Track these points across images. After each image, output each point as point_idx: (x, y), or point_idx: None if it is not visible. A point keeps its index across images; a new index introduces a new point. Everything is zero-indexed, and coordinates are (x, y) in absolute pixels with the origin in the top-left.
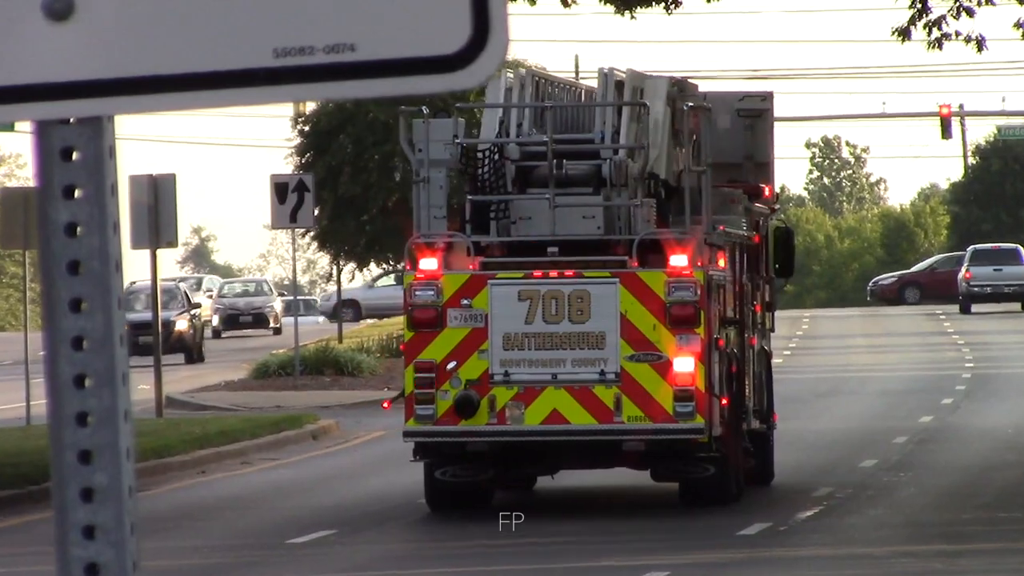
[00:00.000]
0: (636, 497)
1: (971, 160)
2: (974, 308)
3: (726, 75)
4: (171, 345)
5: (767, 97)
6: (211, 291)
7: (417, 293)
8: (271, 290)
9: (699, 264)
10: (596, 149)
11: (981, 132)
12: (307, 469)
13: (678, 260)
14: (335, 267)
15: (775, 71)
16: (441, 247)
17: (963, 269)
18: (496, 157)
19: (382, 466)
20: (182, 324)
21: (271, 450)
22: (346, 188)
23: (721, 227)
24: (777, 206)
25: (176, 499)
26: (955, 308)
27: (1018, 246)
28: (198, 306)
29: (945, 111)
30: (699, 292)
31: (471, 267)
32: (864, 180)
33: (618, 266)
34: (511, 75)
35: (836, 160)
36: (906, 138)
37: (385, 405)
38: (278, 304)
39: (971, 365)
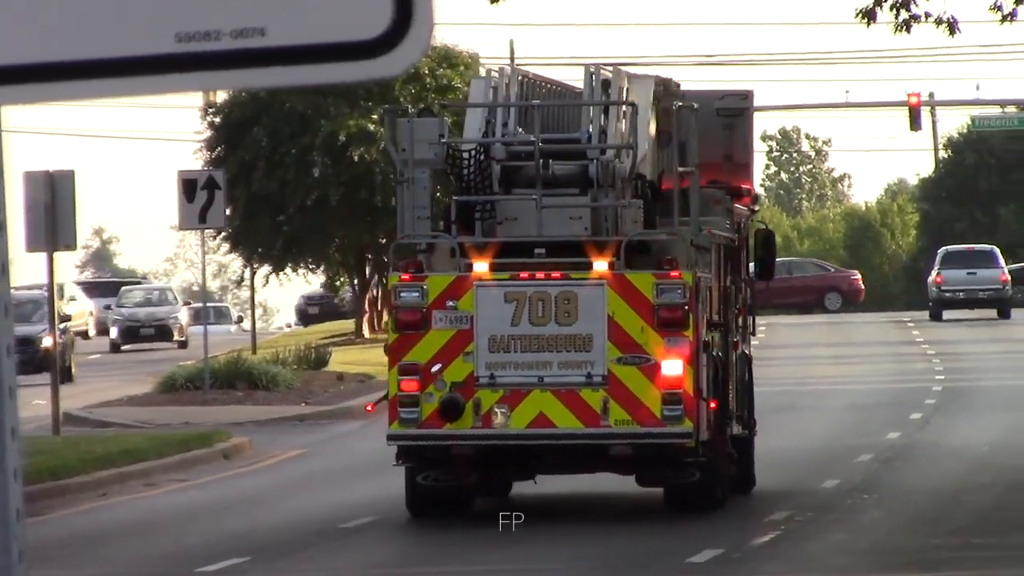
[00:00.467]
0: (605, 508)
1: (943, 154)
2: (945, 315)
3: (674, 61)
4: (36, 364)
5: (747, 96)
6: (74, 298)
7: (402, 294)
8: (175, 299)
9: (687, 266)
10: (583, 149)
11: (953, 123)
12: (218, 491)
13: (667, 261)
14: (248, 271)
15: (727, 56)
16: (426, 248)
17: (934, 272)
18: (482, 157)
19: (299, 488)
20: (49, 340)
21: (178, 470)
22: (260, 185)
23: (707, 229)
24: (756, 207)
25: (73, 524)
26: (925, 315)
27: (994, 247)
28: (68, 318)
29: (914, 100)
30: (688, 294)
31: (457, 268)
32: (825, 176)
33: (606, 268)
34: (496, 73)
35: (795, 154)
36: (871, 130)
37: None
38: (184, 314)
39: (942, 377)
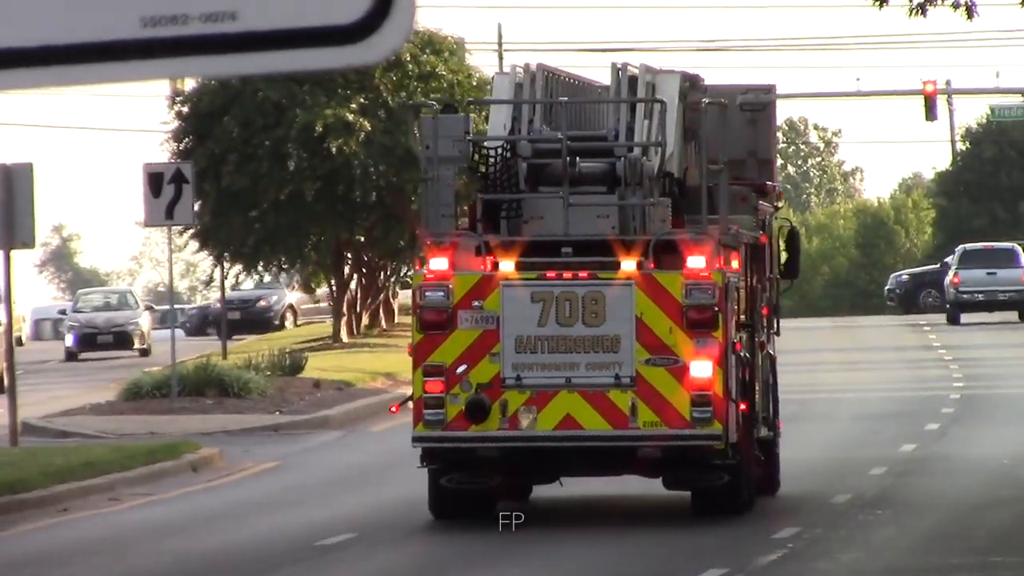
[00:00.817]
0: (606, 520)
1: (960, 146)
2: (963, 318)
3: (672, 47)
4: None
5: (771, 90)
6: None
7: (427, 294)
8: (137, 303)
9: (716, 266)
10: (610, 147)
11: (972, 113)
12: (186, 506)
13: (696, 261)
14: (218, 270)
15: (730, 42)
16: (451, 246)
17: (951, 272)
18: (508, 155)
19: (273, 503)
20: None
21: (144, 484)
22: (231, 179)
23: (735, 227)
24: (779, 204)
25: (33, 542)
26: (942, 318)
27: (1015, 245)
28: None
29: (930, 88)
30: (717, 294)
31: (483, 267)
32: (836, 169)
33: (634, 267)
34: (521, 70)
35: (803, 146)
36: (884, 120)
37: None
38: (145, 320)
39: (960, 385)
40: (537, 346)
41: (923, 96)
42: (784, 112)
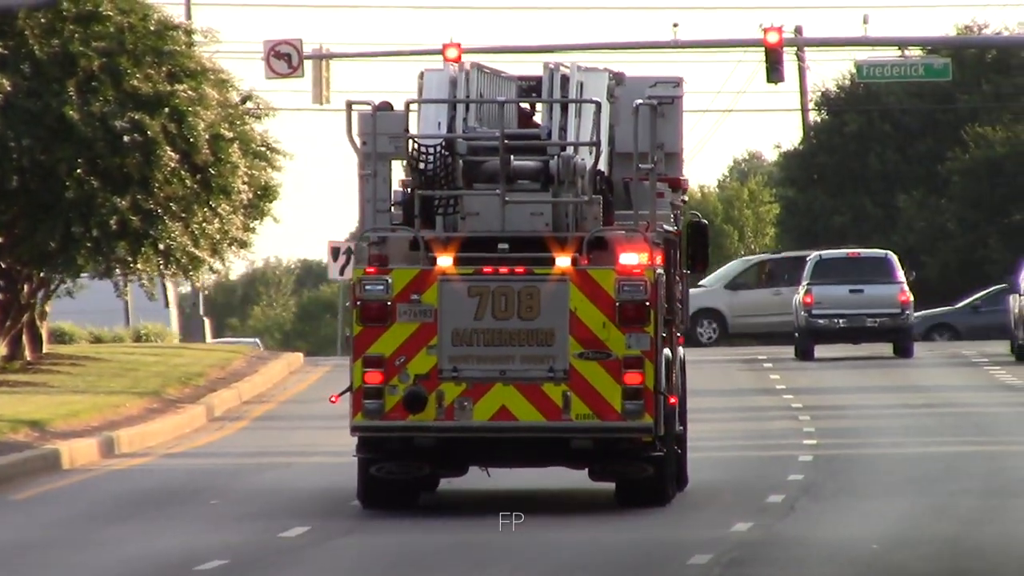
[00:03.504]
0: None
1: (815, 116)
2: (818, 351)
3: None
4: None
5: (679, 83)
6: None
7: (367, 287)
8: None
9: (648, 262)
10: (543, 145)
11: (830, 71)
12: None
13: (628, 258)
14: None
15: None
16: (379, 241)
17: (801, 289)
18: (446, 152)
19: None
20: None
21: None
22: None
23: (661, 224)
24: (685, 198)
25: None
26: (787, 352)
27: (888, 253)
28: None
29: (773, 38)
30: (649, 290)
31: (420, 263)
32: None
33: (569, 263)
34: (454, 67)
35: None
36: (708, 82)
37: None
38: None
39: (812, 443)
40: (473, 339)
41: (763, 48)
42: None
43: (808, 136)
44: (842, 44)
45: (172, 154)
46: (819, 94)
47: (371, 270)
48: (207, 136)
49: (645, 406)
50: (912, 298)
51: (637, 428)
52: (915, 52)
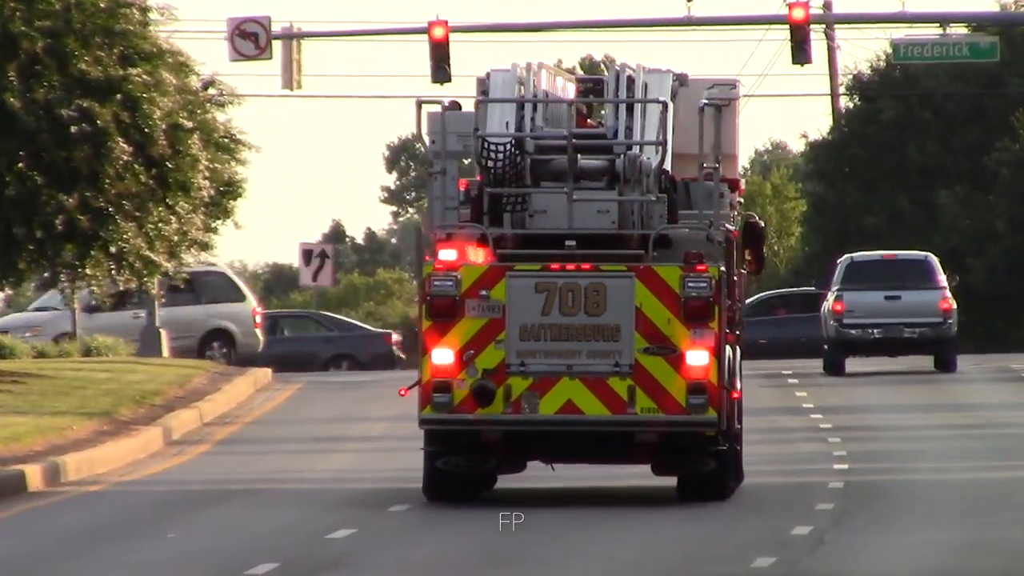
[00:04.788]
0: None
1: (846, 102)
2: (850, 365)
3: None
4: None
5: (735, 85)
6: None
7: (436, 283)
8: None
9: (711, 260)
10: (609, 144)
11: (864, 52)
12: None
13: (693, 256)
14: None
15: None
16: (460, 238)
17: (831, 296)
18: (515, 151)
19: None
20: None
21: None
22: None
23: (723, 223)
24: (741, 199)
25: None
26: (815, 366)
27: (928, 255)
28: None
29: (799, 14)
30: (713, 287)
31: (490, 259)
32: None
33: (634, 260)
34: (521, 67)
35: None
36: (728, 64)
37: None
38: None
39: (844, 468)
40: (540, 334)
41: (788, 25)
42: (578, 48)
43: (838, 125)
44: (877, 21)
45: (125, 146)
46: (851, 77)
47: (440, 266)
48: (164, 126)
49: (709, 401)
50: (955, 305)
51: (701, 422)
52: (959, 29)
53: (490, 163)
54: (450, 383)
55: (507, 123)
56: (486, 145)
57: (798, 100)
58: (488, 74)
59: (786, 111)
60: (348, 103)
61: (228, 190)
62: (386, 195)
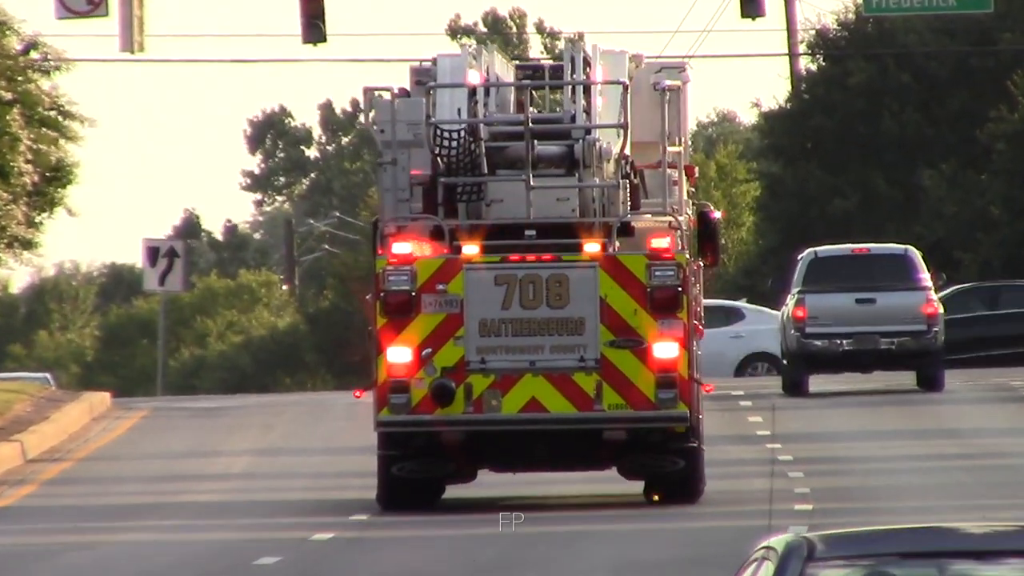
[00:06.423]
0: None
1: (806, 64)
2: (813, 383)
3: None
4: None
5: (683, 69)
6: None
7: (390, 278)
8: None
9: (680, 247)
10: (567, 129)
11: (828, 2)
12: None
13: (659, 243)
14: None
15: None
16: (414, 231)
17: (790, 299)
18: (470, 138)
19: None
20: None
21: None
22: None
23: (683, 211)
24: (693, 188)
25: None
26: (773, 384)
27: (908, 248)
28: None
29: None
30: (681, 275)
31: (445, 251)
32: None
33: (598, 249)
34: (469, 51)
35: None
36: (664, 19)
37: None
38: None
39: (807, 507)
40: (501, 329)
41: None
42: (480, 3)
43: (798, 91)
44: None
45: None
46: (813, 33)
47: (394, 260)
48: None
49: (679, 395)
50: (942, 309)
51: (671, 417)
52: None
53: (443, 151)
54: (407, 383)
55: (459, 109)
56: (439, 132)
57: (749, 61)
58: (434, 59)
59: (734, 75)
60: (202, 69)
61: (56, 176)
62: (248, 181)
